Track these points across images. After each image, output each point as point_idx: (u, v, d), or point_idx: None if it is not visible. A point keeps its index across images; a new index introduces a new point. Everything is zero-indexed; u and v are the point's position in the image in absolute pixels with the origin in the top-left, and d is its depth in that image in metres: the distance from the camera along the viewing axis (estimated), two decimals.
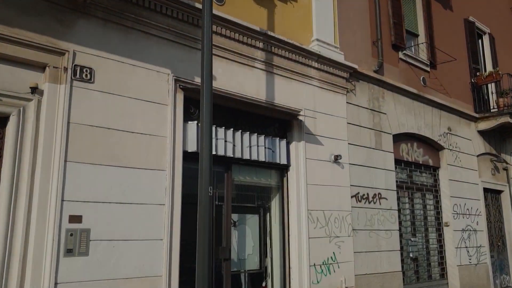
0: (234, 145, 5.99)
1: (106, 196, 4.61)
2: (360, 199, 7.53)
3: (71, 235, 4.32)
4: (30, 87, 4.31)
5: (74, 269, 4.30)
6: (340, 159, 7.13)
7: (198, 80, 5.57)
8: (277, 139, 6.56)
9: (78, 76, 4.59)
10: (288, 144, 6.74)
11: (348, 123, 7.61)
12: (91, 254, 4.43)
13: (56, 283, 4.16)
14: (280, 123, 6.77)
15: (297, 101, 6.82)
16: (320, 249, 6.66)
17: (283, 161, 6.58)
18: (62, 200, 4.31)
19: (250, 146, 6.19)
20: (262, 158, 6.27)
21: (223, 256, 5.78)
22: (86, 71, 4.65)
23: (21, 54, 4.28)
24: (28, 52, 4.32)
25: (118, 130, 4.81)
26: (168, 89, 5.31)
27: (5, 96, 4.20)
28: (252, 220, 6.57)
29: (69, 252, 4.28)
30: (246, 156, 6.11)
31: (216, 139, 5.80)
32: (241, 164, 6.22)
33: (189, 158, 5.52)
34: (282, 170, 6.72)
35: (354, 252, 7.18)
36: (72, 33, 4.62)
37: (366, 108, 8.07)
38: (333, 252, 6.84)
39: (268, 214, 6.74)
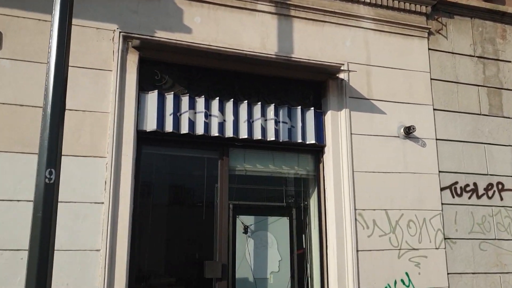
0: (224, 121, 4.31)
1: (13, 193, 3.53)
2: (459, 192, 4.92)
3: None
4: None
5: None
6: (414, 131, 4.72)
7: (161, 34, 4.14)
8: (298, 108, 4.59)
9: None
10: (320, 115, 4.70)
11: (433, 79, 5.10)
12: None
13: None
14: (308, 86, 4.77)
15: (335, 53, 4.75)
16: (381, 268, 4.41)
17: (310, 139, 4.57)
18: None
19: (252, 120, 4.40)
20: (271, 137, 4.41)
21: (212, 274, 4.11)
22: None
23: None
24: None
25: (35, 107, 3.70)
26: (113, 50, 4.00)
27: None
28: (279, 225, 4.73)
29: None
30: (243, 134, 4.34)
31: (195, 113, 4.22)
32: (246, 148, 4.49)
33: (150, 140, 4.11)
34: (317, 153, 4.71)
35: (449, 273, 4.64)
36: None
37: (469, 55, 5.37)
38: (406, 273, 4.48)
39: (306, 216, 4.79)
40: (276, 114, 4.46)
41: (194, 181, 4.40)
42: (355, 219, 4.42)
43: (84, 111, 3.81)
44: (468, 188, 4.95)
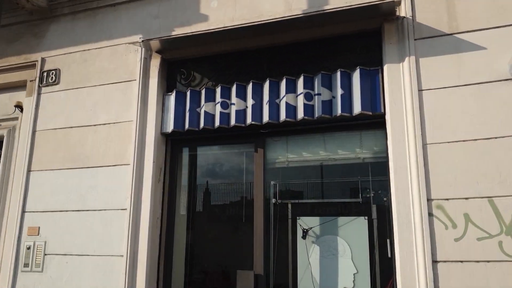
0: (246, 107, 3.69)
1: (63, 204, 4.00)
2: None
3: (28, 248, 4.00)
4: (14, 106, 4.52)
5: (29, 286, 3.92)
6: None
7: (179, 30, 3.99)
8: (338, 72, 3.45)
9: (44, 82, 4.39)
10: (375, 74, 3.41)
11: None
12: (45, 270, 3.90)
13: None
14: (357, 40, 3.57)
15: None
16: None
17: (356, 108, 3.35)
18: (23, 212, 4.11)
19: (279, 100, 3.60)
20: (300, 114, 3.47)
21: (244, 286, 3.48)
22: (52, 73, 4.38)
23: (9, 79, 4.60)
24: (13, 75, 4.59)
25: (79, 127, 4.13)
26: (137, 58, 4.08)
27: (3, 121, 4.60)
28: (353, 228, 3.65)
29: (26, 266, 3.97)
30: (266, 118, 3.58)
31: (215, 103, 3.79)
32: (283, 134, 3.71)
33: (175, 141, 3.95)
34: (383, 126, 3.42)
35: None
36: (43, 41, 4.53)
37: None
38: None
39: (388, 215, 3.53)
40: (311, 86, 3.51)
41: (232, 179, 3.91)
42: (429, 214, 2.94)
43: (114, 123, 4.00)
44: None
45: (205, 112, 3.77)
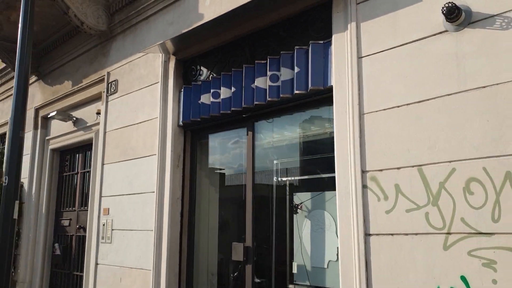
0: (231, 95, 3.99)
1: (119, 189, 4.99)
2: None
3: (103, 225, 5.14)
4: (96, 113, 5.75)
5: (105, 253, 5.05)
6: (460, 13, 2.48)
7: (191, 26, 4.48)
8: (295, 51, 3.46)
9: (109, 91, 5.46)
10: (328, 46, 3.32)
11: None
12: (112, 241, 4.97)
13: (96, 264, 5.14)
14: (315, 14, 3.49)
15: None
16: (410, 265, 2.60)
17: (312, 83, 3.33)
18: (101, 196, 5.27)
19: (253, 84, 3.80)
20: (272, 95, 3.63)
21: (237, 257, 3.87)
22: (113, 84, 5.42)
23: (93, 92, 5.86)
24: (95, 89, 5.83)
25: (128, 126, 5.05)
26: (159, 62, 4.76)
27: (93, 126, 5.90)
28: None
29: (102, 239, 5.12)
30: (243, 103, 3.82)
31: (210, 94, 4.20)
32: (263, 116, 3.91)
33: (192, 131, 4.53)
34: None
35: None
36: (108, 58, 5.61)
37: None
38: (463, 277, 2.39)
39: None
40: (276, 67, 3.63)
41: (234, 162, 4.28)
42: (363, 186, 2.86)
43: (148, 120, 4.79)
44: None
45: (202, 103, 4.24)
